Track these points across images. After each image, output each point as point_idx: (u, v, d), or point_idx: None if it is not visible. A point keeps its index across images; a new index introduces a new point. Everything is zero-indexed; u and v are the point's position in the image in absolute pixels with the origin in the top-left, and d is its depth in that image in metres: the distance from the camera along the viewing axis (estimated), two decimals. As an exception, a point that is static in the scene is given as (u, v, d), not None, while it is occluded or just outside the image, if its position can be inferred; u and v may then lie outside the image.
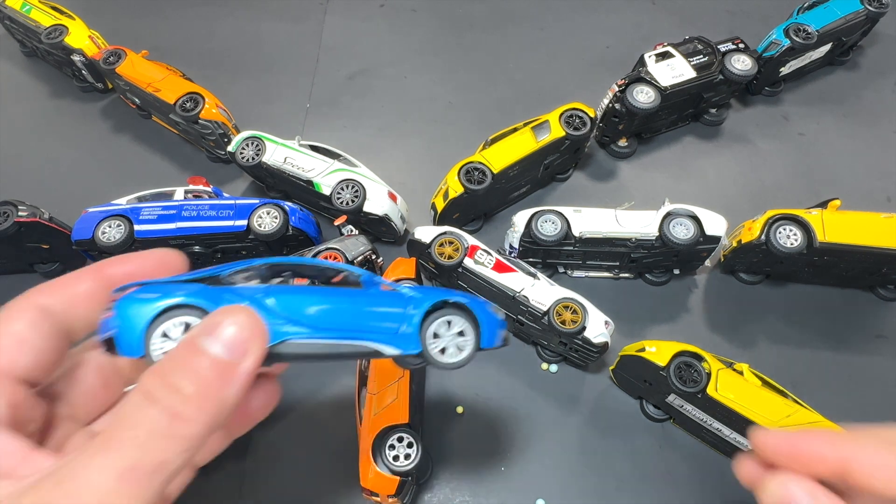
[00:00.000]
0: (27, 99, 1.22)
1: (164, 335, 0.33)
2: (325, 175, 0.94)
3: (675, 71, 1.04)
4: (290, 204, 0.91)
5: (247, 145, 0.98)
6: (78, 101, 1.20)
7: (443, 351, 0.41)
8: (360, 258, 0.85)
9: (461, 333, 0.42)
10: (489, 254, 0.84)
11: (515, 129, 0.98)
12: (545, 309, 0.79)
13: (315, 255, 0.83)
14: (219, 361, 0.29)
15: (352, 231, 0.90)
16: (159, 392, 0.28)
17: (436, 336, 0.41)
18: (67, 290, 0.36)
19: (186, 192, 0.93)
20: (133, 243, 0.87)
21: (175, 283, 0.35)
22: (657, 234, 0.86)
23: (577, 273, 0.96)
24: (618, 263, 0.93)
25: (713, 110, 1.13)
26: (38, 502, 0.26)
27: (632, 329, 0.90)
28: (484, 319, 0.42)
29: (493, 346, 0.43)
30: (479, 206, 0.99)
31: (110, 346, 0.33)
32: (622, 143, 1.10)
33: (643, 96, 1.01)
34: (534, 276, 0.82)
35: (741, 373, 0.74)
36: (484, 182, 0.91)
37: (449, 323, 0.41)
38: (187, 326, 0.33)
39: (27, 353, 0.33)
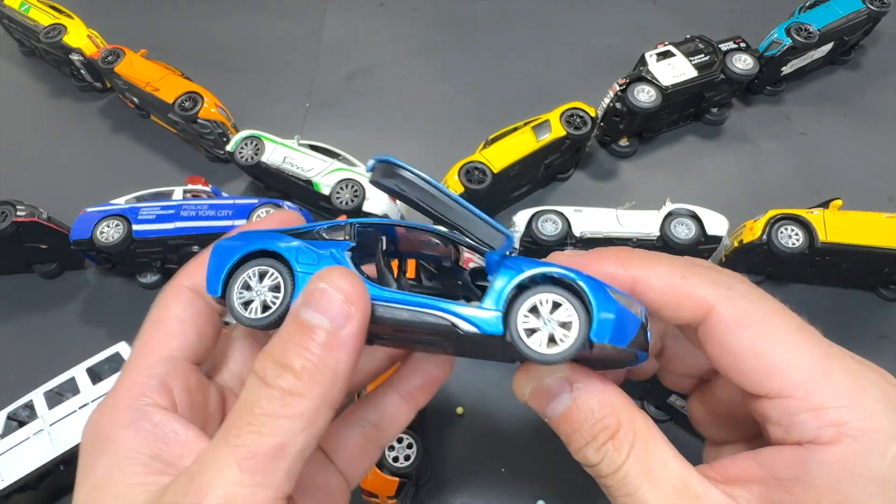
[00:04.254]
0: (25, 98, 1.22)
1: (248, 283, 0.33)
2: (324, 174, 0.93)
3: (676, 70, 1.03)
4: (289, 203, 0.90)
5: (246, 145, 0.98)
6: (76, 100, 1.20)
7: (536, 338, 0.30)
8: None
9: (565, 325, 0.30)
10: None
11: (516, 129, 0.98)
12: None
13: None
14: (320, 331, 0.28)
15: (351, 231, 0.89)
16: (270, 371, 0.28)
17: (528, 318, 0.31)
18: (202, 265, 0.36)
19: (185, 191, 0.92)
20: (132, 243, 0.87)
21: (273, 233, 0.34)
22: (658, 233, 0.86)
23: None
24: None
25: (714, 109, 1.13)
26: (172, 499, 0.27)
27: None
28: (601, 306, 0.30)
29: (613, 343, 0.30)
30: (480, 205, 0.98)
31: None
32: (623, 142, 1.09)
33: (644, 95, 1.00)
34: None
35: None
36: (484, 182, 0.91)
37: (554, 305, 0.30)
38: (266, 277, 0.33)
39: (190, 334, 0.34)
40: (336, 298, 0.28)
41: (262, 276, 0.33)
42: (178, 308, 0.35)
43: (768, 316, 0.28)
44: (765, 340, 0.27)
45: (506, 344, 0.30)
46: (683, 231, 0.86)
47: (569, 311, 0.30)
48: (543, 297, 0.30)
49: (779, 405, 0.27)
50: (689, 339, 0.36)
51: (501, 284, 0.31)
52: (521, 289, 0.31)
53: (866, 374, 0.27)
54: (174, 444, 0.30)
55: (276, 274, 0.32)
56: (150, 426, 0.30)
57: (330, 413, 0.29)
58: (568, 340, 0.29)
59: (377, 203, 0.91)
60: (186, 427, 0.31)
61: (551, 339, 0.30)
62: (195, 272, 0.36)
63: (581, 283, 0.30)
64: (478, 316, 0.30)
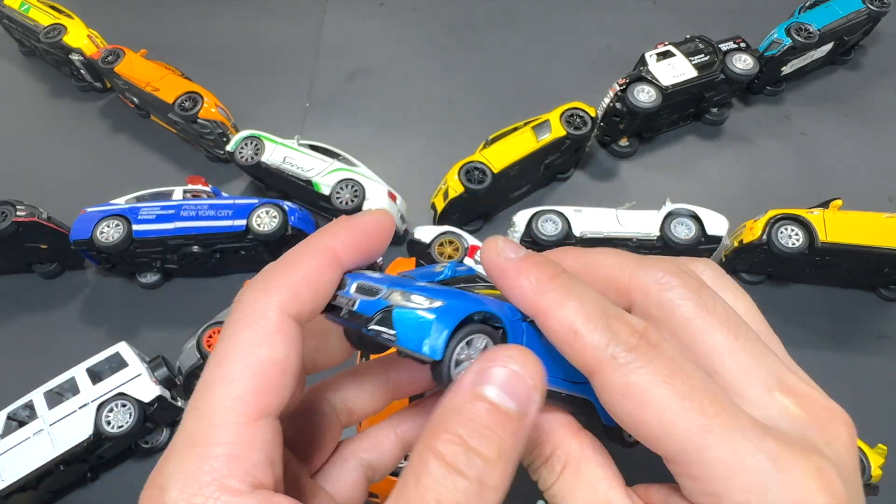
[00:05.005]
0: (25, 98, 1.22)
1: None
2: (324, 174, 0.93)
3: (676, 70, 1.03)
4: (289, 204, 0.90)
5: (246, 145, 0.98)
6: (76, 100, 1.20)
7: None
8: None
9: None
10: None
11: (516, 129, 0.98)
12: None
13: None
14: (511, 416, 0.26)
15: (351, 231, 0.90)
16: (462, 460, 0.24)
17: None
18: (315, 289, 0.29)
19: (185, 191, 0.92)
20: (132, 243, 0.86)
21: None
22: (658, 233, 0.86)
23: (577, 273, 0.96)
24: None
25: (714, 109, 1.13)
26: None
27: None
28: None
29: None
30: (480, 205, 0.98)
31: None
32: (623, 142, 1.09)
33: (644, 95, 1.00)
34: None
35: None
36: (484, 182, 0.91)
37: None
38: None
39: (290, 385, 0.27)
40: (527, 384, 0.26)
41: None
42: (283, 350, 0.27)
43: (651, 386, 0.26)
44: (642, 411, 0.26)
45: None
46: (683, 231, 0.86)
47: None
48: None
49: (668, 464, 0.27)
50: None
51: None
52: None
53: (752, 445, 0.25)
54: None
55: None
56: None
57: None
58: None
59: (377, 203, 0.91)
60: None
61: None
62: (301, 293, 0.28)
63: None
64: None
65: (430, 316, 0.27)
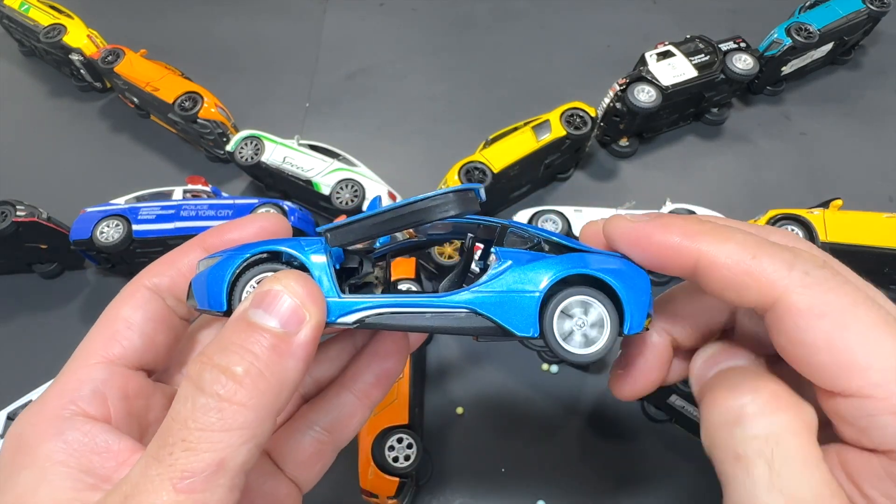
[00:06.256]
0: (25, 98, 1.22)
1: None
2: (324, 174, 0.94)
3: (676, 70, 1.03)
4: (289, 203, 0.90)
5: (246, 145, 0.98)
6: (76, 100, 1.20)
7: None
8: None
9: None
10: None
11: (516, 129, 0.98)
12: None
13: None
14: (271, 334, 0.26)
15: (351, 231, 0.90)
16: (206, 376, 0.25)
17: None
18: (174, 267, 0.35)
19: (185, 191, 0.92)
20: (132, 243, 0.87)
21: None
22: (658, 233, 0.86)
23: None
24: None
25: (714, 109, 1.13)
26: None
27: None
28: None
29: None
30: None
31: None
32: (623, 142, 1.09)
33: (644, 95, 1.00)
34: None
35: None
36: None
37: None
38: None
39: (136, 338, 0.32)
40: (290, 302, 0.27)
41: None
42: (129, 309, 0.33)
43: (849, 306, 0.25)
44: (842, 333, 0.24)
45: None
46: (683, 231, 0.86)
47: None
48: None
49: (855, 404, 0.24)
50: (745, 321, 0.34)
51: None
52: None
53: None
54: (106, 457, 0.28)
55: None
56: (80, 436, 0.28)
57: (273, 423, 0.26)
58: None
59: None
60: (119, 438, 0.29)
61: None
62: (160, 271, 0.34)
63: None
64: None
65: (213, 266, 0.32)
